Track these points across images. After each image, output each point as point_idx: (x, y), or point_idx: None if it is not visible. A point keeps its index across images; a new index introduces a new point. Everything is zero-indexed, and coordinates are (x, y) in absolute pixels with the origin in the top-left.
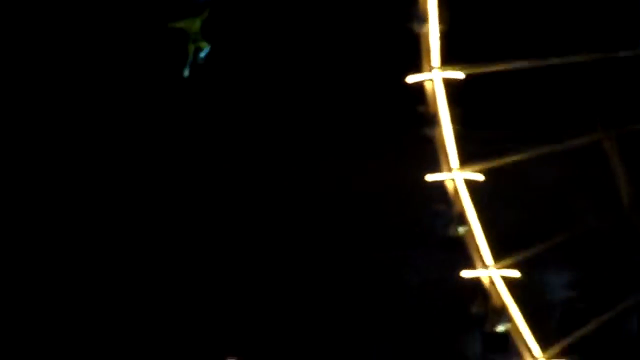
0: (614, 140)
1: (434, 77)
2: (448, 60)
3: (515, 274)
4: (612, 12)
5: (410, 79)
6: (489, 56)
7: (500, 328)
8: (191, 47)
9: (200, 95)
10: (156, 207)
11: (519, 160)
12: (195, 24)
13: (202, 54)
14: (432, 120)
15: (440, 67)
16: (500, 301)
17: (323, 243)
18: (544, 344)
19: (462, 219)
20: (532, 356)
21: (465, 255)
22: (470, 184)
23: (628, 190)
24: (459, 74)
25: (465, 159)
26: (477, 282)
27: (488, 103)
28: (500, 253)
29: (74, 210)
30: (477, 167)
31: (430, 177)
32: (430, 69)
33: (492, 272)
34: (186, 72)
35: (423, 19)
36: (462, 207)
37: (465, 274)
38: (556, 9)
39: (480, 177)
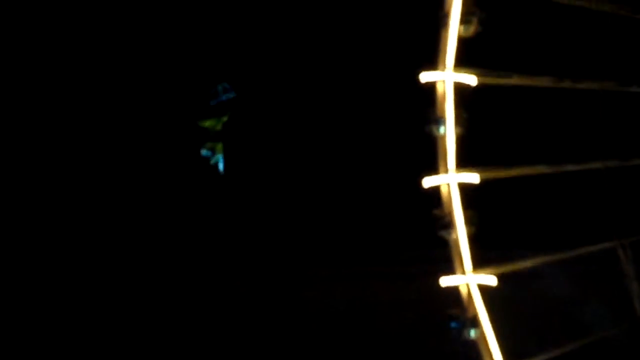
0: (628, 249)
1: (450, 180)
2: (464, 163)
3: (492, 281)
4: (626, 115)
5: (427, 182)
6: (505, 158)
7: (471, 335)
8: (208, 145)
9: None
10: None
11: (532, 266)
12: (219, 125)
13: (220, 166)
14: (447, 223)
15: (456, 170)
16: (473, 309)
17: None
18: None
19: (475, 323)
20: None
21: None
22: (484, 288)
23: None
24: (474, 177)
25: (480, 263)
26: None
27: (503, 207)
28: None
29: (73, 210)
30: (490, 271)
31: (444, 281)
32: (447, 171)
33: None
34: (220, 167)
35: (441, 121)
36: (475, 310)
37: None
38: (573, 109)
39: (493, 282)
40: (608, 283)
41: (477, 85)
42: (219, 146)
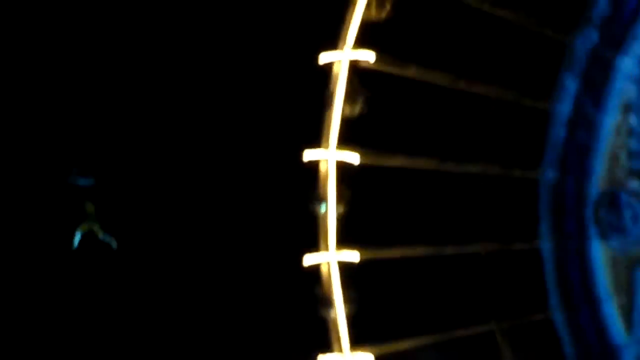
0: (507, 333)
1: (330, 259)
2: (344, 241)
3: (354, 257)
4: (507, 201)
5: (307, 260)
6: (386, 239)
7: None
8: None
9: None
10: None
11: (409, 347)
12: (90, 207)
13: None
14: (326, 302)
15: (337, 249)
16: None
17: None
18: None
19: None
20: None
21: None
22: None
23: (496, 302)
24: (354, 256)
25: (357, 342)
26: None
27: (382, 288)
28: None
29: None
30: (369, 351)
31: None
32: (327, 249)
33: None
34: (75, 243)
35: (322, 201)
36: None
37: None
38: (455, 192)
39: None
40: None
41: (360, 165)
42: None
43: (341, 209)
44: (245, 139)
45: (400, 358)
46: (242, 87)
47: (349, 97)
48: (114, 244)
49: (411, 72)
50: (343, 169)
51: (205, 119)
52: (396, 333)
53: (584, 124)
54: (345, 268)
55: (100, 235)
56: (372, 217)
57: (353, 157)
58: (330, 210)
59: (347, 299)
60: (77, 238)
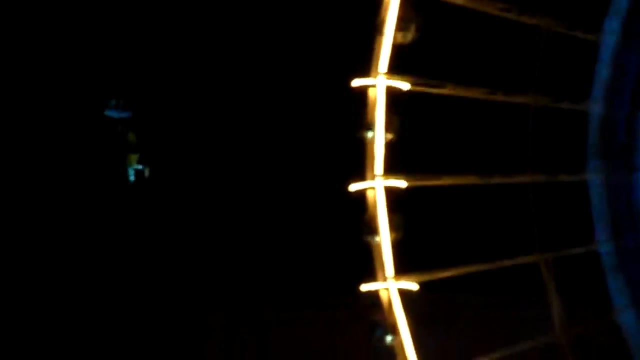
0: (550, 264)
1: (376, 185)
2: (392, 169)
3: (413, 286)
4: (556, 133)
5: (354, 186)
6: (434, 167)
7: (388, 340)
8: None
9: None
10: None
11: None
12: (132, 137)
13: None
14: (372, 228)
15: (384, 176)
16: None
17: None
18: None
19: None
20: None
21: None
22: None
23: (559, 312)
24: (401, 183)
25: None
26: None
27: (428, 216)
28: None
29: (70, 210)
30: (412, 278)
31: (365, 287)
32: (374, 176)
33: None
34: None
35: (371, 127)
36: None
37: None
38: (501, 128)
39: (414, 287)
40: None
41: (410, 93)
42: (134, 157)
43: (389, 136)
44: (294, 65)
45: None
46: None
47: (401, 23)
48: (147, 172)
49: (447, 90)
50: (392, 96)
51: (251, 50)
52: (440, 262)
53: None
54: (392, 195)
55: (135, 164)
56: (420, 145)
57: (402, 84)
58: (378, 136)
59: (393, 227)
60: (131, 171)
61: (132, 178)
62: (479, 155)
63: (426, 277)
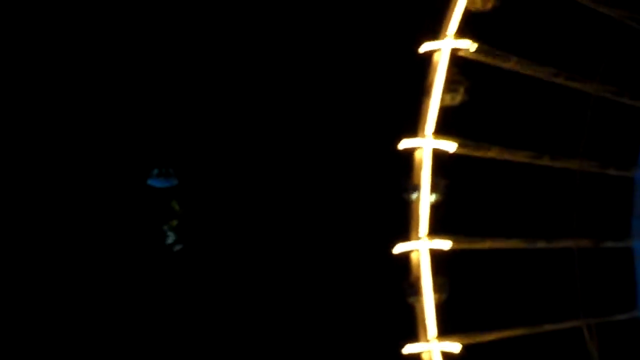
0: (594, 329)
1: (420, 247)
2: (436, 230)
3: (445, 245)
4: (601, 198)
5: (398, 248)
6: (478, 230)
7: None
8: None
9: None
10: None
11: (496, 338)
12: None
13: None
14: (415, 290)
15: (429, 237)
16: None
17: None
18: None
19: None
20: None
21: None
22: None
23: (583, 298)
24: (445, 244)
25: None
26: None
27: (472, 279)
28: None
29: (71, 211)
30: (455, 339)
31: (407, 348)
32: (418, 237)
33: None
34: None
35: (416, 188)
36: None
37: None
38: (549, 187)
39: (457, 349)
40: None
41: (456, 155)
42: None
43: (434, 198)
44: (341, 126)
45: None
46: (340, 74)
47: (449, 86)
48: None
49: (511, 64)
50: (438, 158)
51: (295, 110)
52: (484, 325)
53: None
54: (436, 257)
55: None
56: (465, 207)
57: (449, 146)
58: (423, 198)
59: (436, 288)
60: (171, 235)
61: (170, 241)
62: (524, 219)
63: (469, 339)
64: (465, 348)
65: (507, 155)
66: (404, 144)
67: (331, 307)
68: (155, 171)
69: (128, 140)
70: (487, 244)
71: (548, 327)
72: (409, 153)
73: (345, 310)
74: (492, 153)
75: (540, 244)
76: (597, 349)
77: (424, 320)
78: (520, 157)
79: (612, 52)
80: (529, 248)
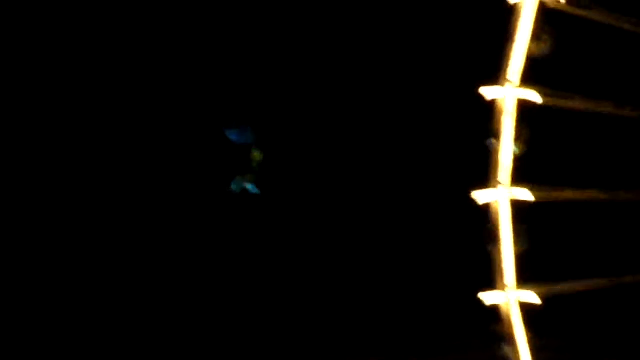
0: None
1: (502, 195)
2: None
3: (526, 196)
4: None
5: (477, 195)
6: (560, 180)
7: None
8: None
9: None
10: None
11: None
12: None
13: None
14: (494, 238)
15: (510, 186)
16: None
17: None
18: None
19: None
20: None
21: None
22: None
23: None
24: (527, 194)
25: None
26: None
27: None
28: None
29: (72, 210)
30: (533, 289)
31: (484, 296)
32: (497, 185)
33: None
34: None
35: (498, 136)
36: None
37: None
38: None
39: (536, 300)
40: None
41: (540, 105)
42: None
43: (517, 148)
44: (426, 69)
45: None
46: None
47: (536, 33)
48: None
49: (576, 102)
50: (523, 105)
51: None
52: (562, 276)
53: None
54: (516, 206)
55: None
56: (547, 157)
57: (534, 96)
58: (505, 147)
59: (516, 237)
60: (241, 185)
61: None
62: (607, 171)
63: (547, 290)
64: (543, 299)
65: (591, 105)
66: (484, 90)
67: (410, 250)
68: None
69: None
70: (567, 194)
71: (628, 279)
72: (493, 101)
73: (423, 255)
74: (576, 103)
75: (622, 196)
76: None
77: (501, 268)
78: (604, 107)
79: None
80: (610, 200)
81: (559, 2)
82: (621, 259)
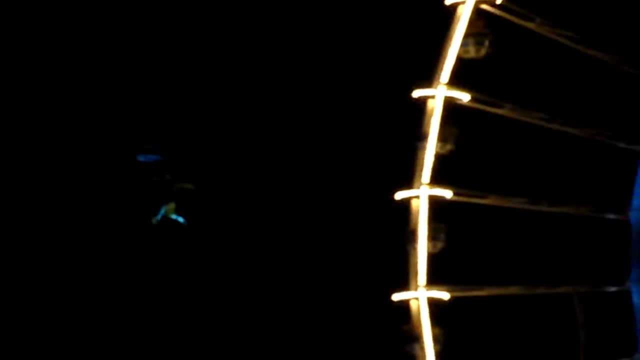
0: (582, 298)
1: (420, 296)
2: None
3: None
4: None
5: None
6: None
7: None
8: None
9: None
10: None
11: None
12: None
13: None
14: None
15: (426, 287)
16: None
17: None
18: None
19: None
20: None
21: None
22: None
23: (584, 343)
24: (444, 294)
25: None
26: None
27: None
28: None
29: (71, 211)
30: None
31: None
32: (417, 287)
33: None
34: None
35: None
36: None
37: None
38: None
39: (445, 296)
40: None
41: (470, 108)
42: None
43: (445, 148)
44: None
45: None
46: (357, 25)
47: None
48: (185, 222)
49: (505, 111)
50: (435, 205)
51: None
52: (478, 279)
53: None
54: (435, 206)
55: (173, 214)
56: (464, 254)
57: (461, 96)
58: (429, 146)
59: (431, 236)
60: (160, 213)
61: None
62: (529, 178)
63: (459, 292)
64: (456, 301)
65: (518, 115)
66: (417, 93)
67: (330, 251)
68: (147, 147)
69: (117, 118)
70: (487, 200)
71: (541, 289)
72: (422, 102)
73: (344, 255)
74: (504, 111)
75: (542, 207)
76: (583, 317)
77: (415, 267)
78: (530, 118)
79: (605, 96)
80: (530, 209)
81: (495, 6)
82: (537, 269)
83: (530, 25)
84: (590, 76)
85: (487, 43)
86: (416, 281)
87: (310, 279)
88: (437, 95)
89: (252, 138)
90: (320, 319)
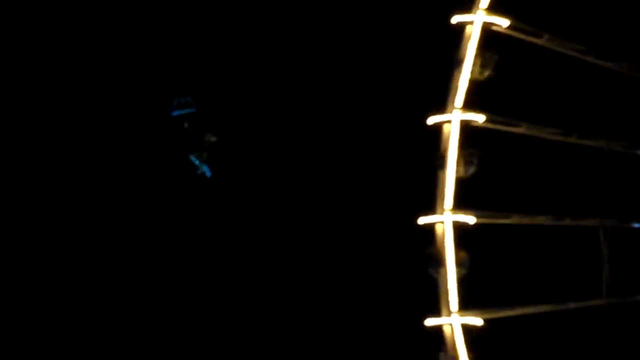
0: (609, 232)
1: (445, 220)
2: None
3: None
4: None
5: (422, 220)
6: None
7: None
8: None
9: None
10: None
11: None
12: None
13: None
14: (438, 262)
15: (452, 211)
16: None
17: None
18: None
19: None
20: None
21: None
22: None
23: (608, 276)
24: (470, 219)
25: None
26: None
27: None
28: None
29: (73, 211)
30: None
31: (429, 321)
32: (442, 211)
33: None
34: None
35: (443, 162)
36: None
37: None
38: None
39: (479, 322)
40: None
41: (486, 130)
42: (205, 155)
43: (463, 173)
44: (373, 97)
45: None
46: (371, 47)
47: (479, 61)
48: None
49: (522, 129)
50: (469, 130)
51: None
52: (506, 300)
53: None
54: (460, 230)
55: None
56: (493, 182)
57: (477, 118)
58: (449, 171)
59: (458, 262)
60: (204, 166)
61: (208, 173)
62: (551, 196)
63: (491, 314)
64: (488, 323)
65: (535, 132)
66: (432, 119)
67: (355, 275)
68: (176, 102)
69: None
70: (512, 220)
71: (572, 304)
72: (438, 127)
73: (368, 280)
74: (521, 129)
75: (567, 222)
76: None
77: (446, 293)
78: (548, 134)
79: (619, 104)
80: (554, 225)
81: (503, 27)
82: (565, 285)
83: (539, 41)
84: (602, 86)
85: (492, 64)
86: (442, 205)
87: (333, 304)
88: (452, 120)
89: (264, 141)
90: (346, 235)
